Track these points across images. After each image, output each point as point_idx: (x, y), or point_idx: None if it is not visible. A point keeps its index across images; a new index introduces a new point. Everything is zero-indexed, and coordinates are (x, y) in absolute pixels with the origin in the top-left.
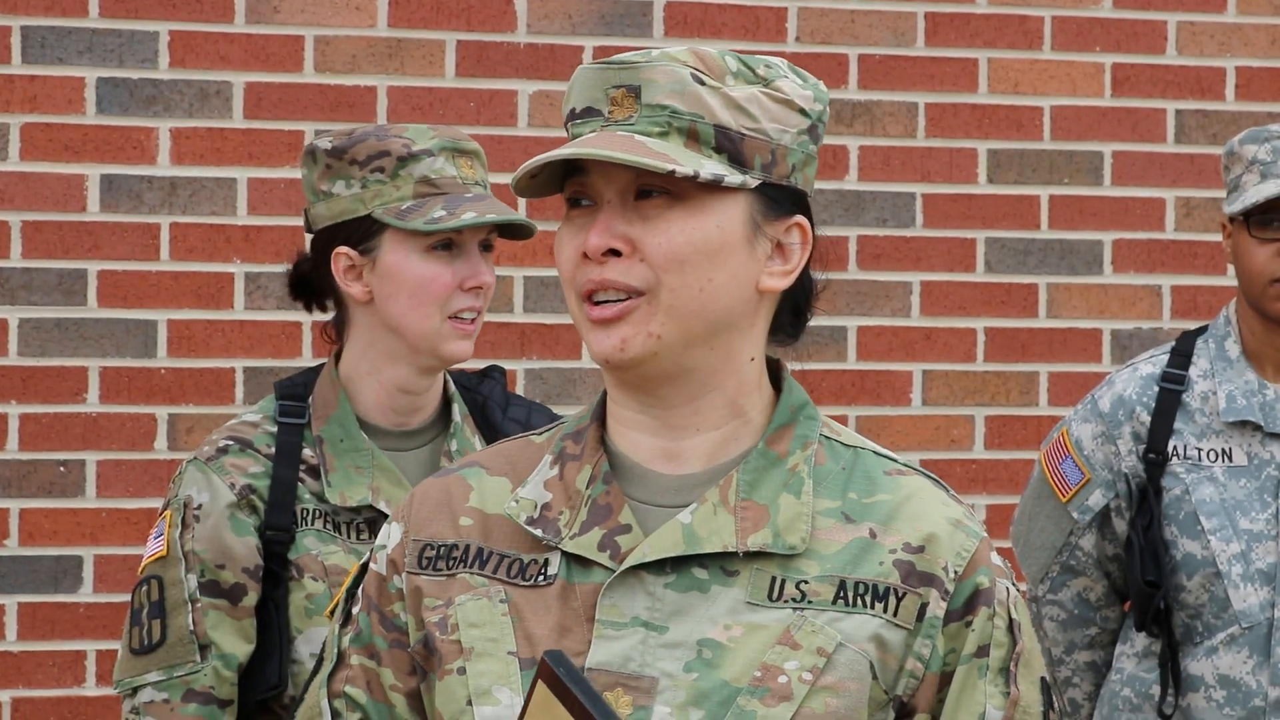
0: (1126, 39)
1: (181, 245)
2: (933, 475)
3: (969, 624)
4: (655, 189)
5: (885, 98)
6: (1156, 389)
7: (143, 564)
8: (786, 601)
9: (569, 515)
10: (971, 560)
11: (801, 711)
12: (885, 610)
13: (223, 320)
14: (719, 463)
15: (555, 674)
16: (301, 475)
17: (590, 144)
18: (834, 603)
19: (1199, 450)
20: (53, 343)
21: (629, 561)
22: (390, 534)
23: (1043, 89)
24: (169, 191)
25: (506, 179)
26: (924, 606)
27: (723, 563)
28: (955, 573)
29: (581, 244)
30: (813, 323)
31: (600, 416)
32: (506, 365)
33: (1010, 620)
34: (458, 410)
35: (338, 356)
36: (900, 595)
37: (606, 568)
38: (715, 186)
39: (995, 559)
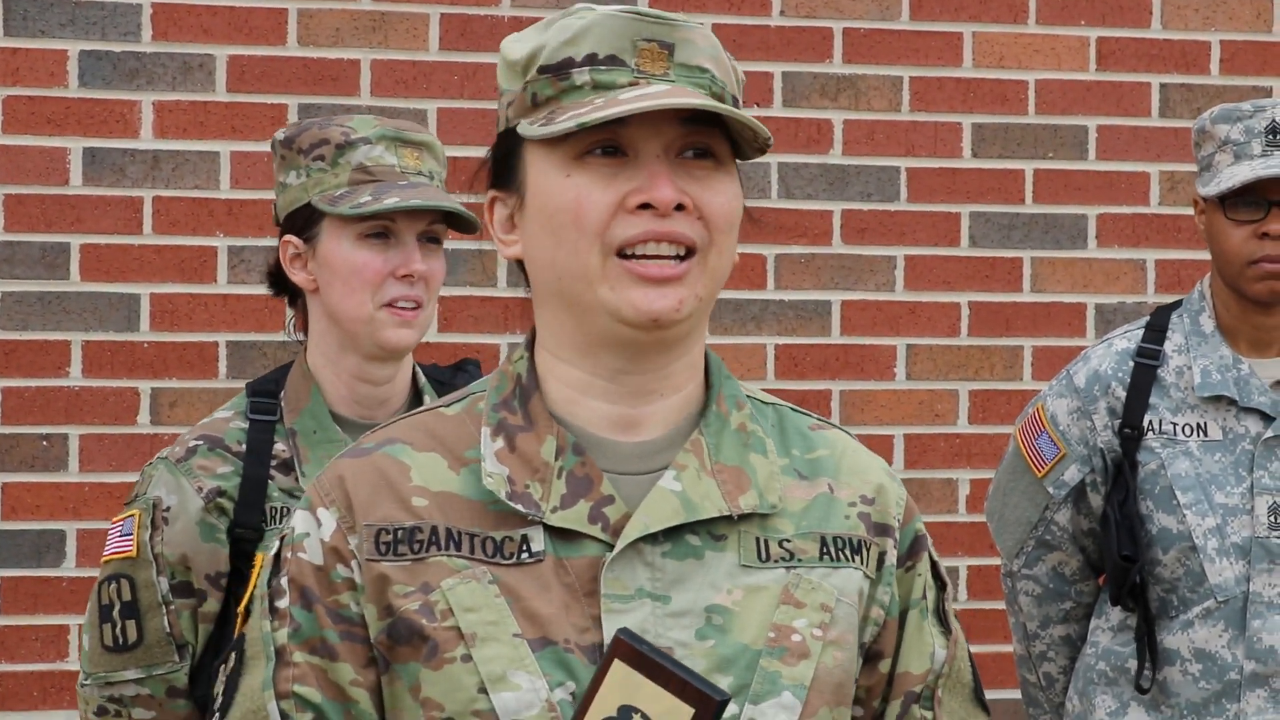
0: (1111, 13)
1: (164, 219)
2: (843, 428)
3: (913, 569)
4: (703, 150)
5: (870, 71)
6: (1132, 364)
7: (107, 558)
8: (777, 561)
9: (541, 489)
10: (907, 508)
11: (818, 667)
12: (861, 562)
13: (206, 294)
14: (675, 427)
15: (638, 650)
16: (272, 473)
17: (674, 94)
18: (820, 559)
19: (1174, 425)
20: (35, 316)
21: (631, 534)
22: (319, 520)
23: (1027, 63)
24: (152, 165)
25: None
26: (882, 555)
27: (711, 528)
28: (899, 521)
29: (621, 195)
30: (797, 296)
31: (536, 384)
32: (490, 340)
33: (934, 562)
34: (429, 403)
35: (306, 348)
36: (868, 547)
37: (600, 541)
38: (738, 157)
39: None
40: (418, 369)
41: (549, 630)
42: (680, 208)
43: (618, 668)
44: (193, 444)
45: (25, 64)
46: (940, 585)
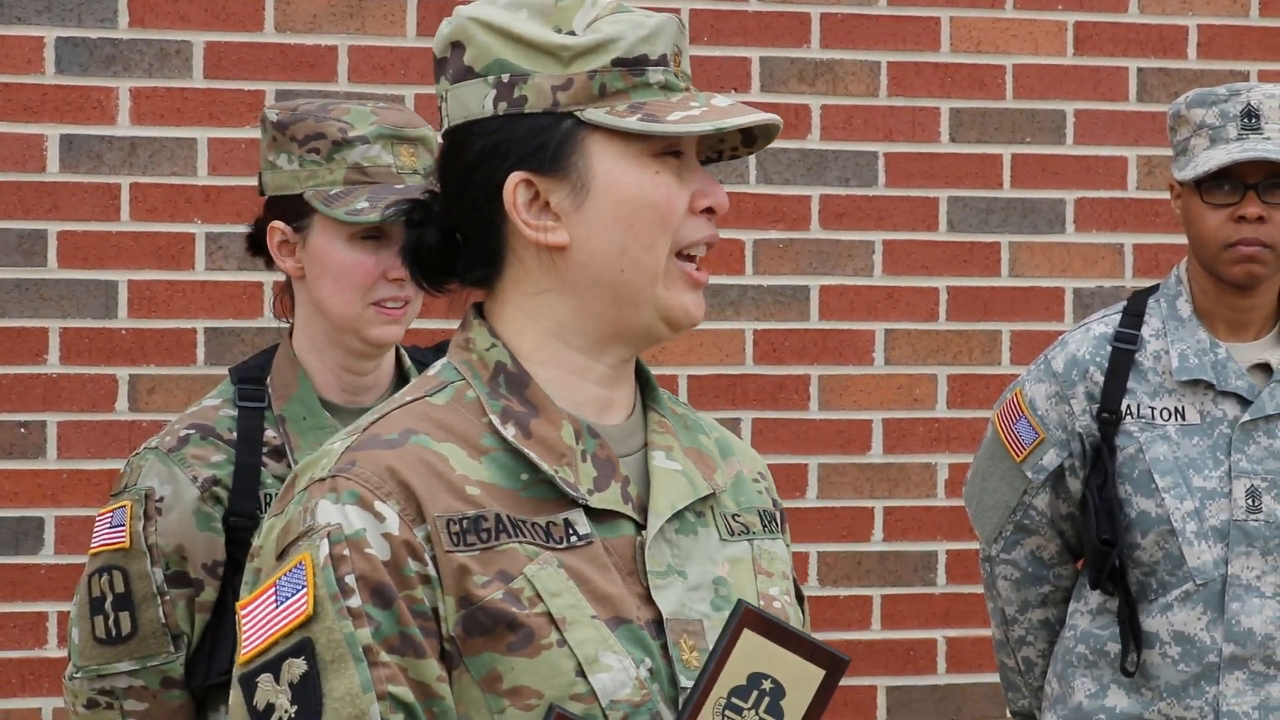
0: None
1: (142, 206)
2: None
3: (785, 541)
4: (713, 155)
5: (847, 57)
6: (1109, 349)
7: (96, 549)
8: (739, 535)
9: (572, 473)
10: (773, 484)
11: None
12: (783, 534)
13: (183, 281)
14: (632, 410)
15: (764, 619)
16: (264, 459)
17: (746, 110)
18: (764, 530)
19: (1152, 409)
20: (12, 303)
21: (661, 513)
22: (379, 514)
23: (1005, 48)
24: (129, 152)
25: None
26: (783, 527)
27: (694, 505)
28: (776, 495)
29: (690, 197)
30: (775, 282)
31: (523, 370)
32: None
33: None
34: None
35: (291, 333)
36: (778, 519)
37: (633, 520)
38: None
39: None
40: (402, 351)
41: (620, 609)
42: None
43: (747, 637)
44: (184, 433)
45: (1, 50)
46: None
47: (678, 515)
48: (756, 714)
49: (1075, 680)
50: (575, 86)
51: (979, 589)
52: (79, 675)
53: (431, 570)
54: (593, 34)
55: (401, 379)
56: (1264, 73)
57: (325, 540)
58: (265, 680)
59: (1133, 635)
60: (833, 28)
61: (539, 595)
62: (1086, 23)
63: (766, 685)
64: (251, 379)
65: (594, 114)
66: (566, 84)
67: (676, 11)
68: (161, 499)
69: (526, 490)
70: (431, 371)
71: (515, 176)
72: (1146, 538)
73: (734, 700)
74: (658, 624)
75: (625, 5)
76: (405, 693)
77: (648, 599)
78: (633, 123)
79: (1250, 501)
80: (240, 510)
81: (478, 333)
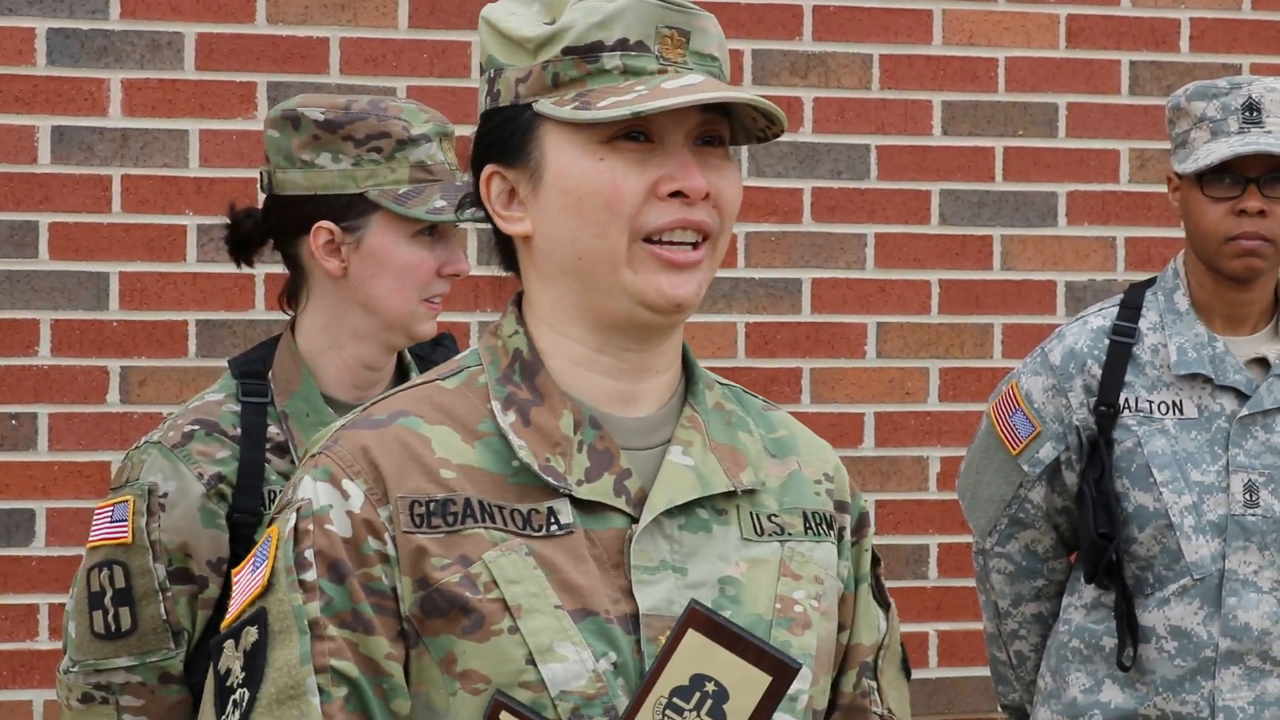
0: None
1: (133, 197)
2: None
3: (860, 543)
4: (718, 138)
5: (840, 49)
6: (1107, 342)
7: (96, 544)
8: (770, 535)
9: (564, 462)
10: (852, 486)
11: (819, 637)
12: (835, 537)
13: (175, 273)
14: (666, 405)
15: (713, 620)
16: (268, 456)
17: (710, 88)
18: (805, 533)
19: (1150, 403)
20: (4, 295)
21: (656, 507)
22: (345, 492)
23: (997, 41)
24: (120, 143)
25: (460, 131)
26: (843, 530)
27: (714, 502)
28: (849, 498)
29: (652, 181)
30: (767, 275)
31: (538, 358)
32: (459, 319)
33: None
34: (415, 377)
35: (294, 327)
36: (834, 522)
37: (625, 513)
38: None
39: None
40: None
41: (588, 601)
42: (704, 196)
43: (692, 637)
44: (188, 429)
45: None
46: (875, 560)
47: (685, 511)
48: (698, 715)
49: (1070, 675)
50: (532, 78)
51: (971, 582)
52: (75, 669)
53: (391, 549)
54: (534, 20)
55: (402, 374)
56: (1256, 66)
57: (295, 514)
58: (229, 646)
59: (1129, 630)
60: (825, 20)
61: (495, 581)
62: (1079, 15)
63: (709, 687)
64: (253, 373)
65: (543, 104)
66: (526, 76)
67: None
68: (165, 495)
69: (516, 477)
70: (459, 355)
71: (489, 169)
72: (1144, 532)
73: (675, 700)
74: (636, 619)
75: None
76: (349, 667)
77: (630, 593)
78: (565, 111)
79: (1248, 496)
80: (244, 507)
81: (506, 320)
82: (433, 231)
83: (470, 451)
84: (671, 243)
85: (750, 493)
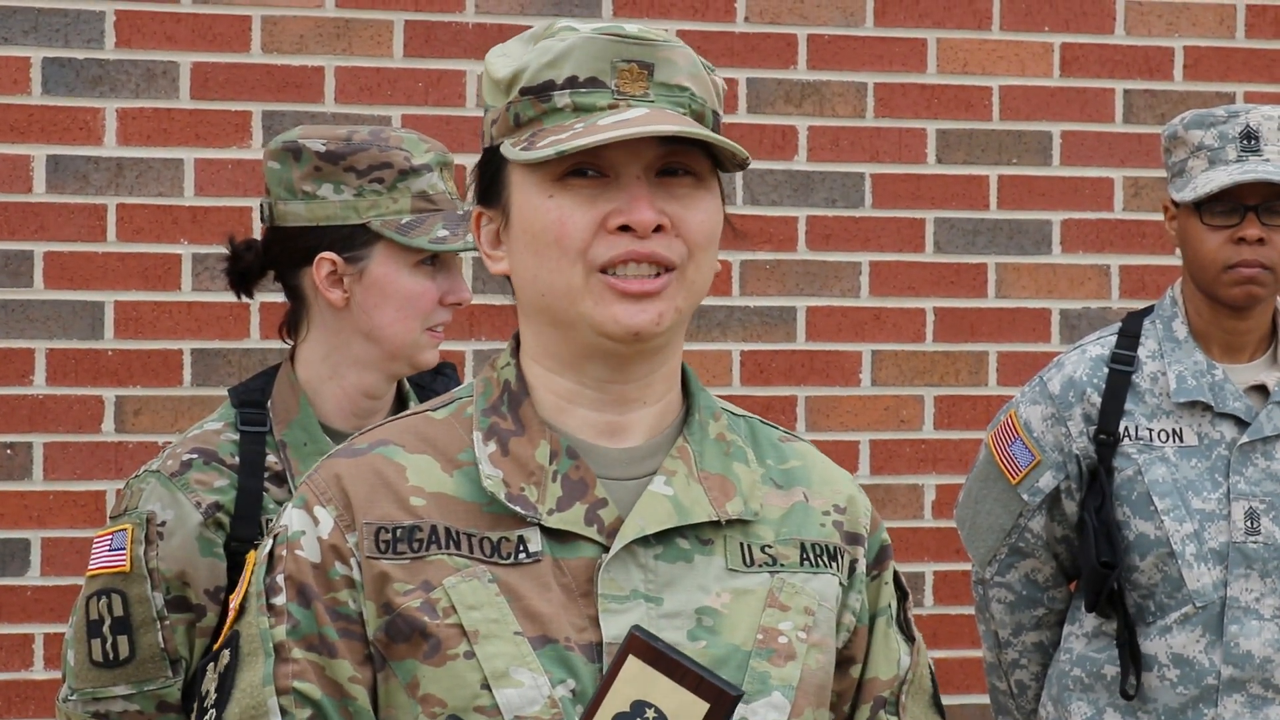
0: (1075, 18)
1: (128, 226)
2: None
3: (879, 577)
4: (682, 169)
5: (834, 78)
6: (1106, 370)
7: (95, 572)
8: (760, 566)
9: (536, 491)
10: (873, 518)
11: (803, 669)
12: (837, 569)
13: (170, 302)
14: (658, 435)
15: (653, 647)
16: (266, 485)
17: (654, 120)
18: (801, 564)
19: (1150, 431)
20: None
21: (626, 536)
22: (316, 519)
23: (991, 69)
24: (115, 172)
25: (455, 160)
26: (854, 564)
27: (699, 532)
28: (867, 530)
29: (601, 216)
30: (762, 303)
31: (525, 390)
32: (455, 347)
33: (896, 572)
34: (413, 407)
35: (293, 357)
36: (842, 554)
37: (595, 542)
38: (718, 171)
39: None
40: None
41: (549, 629)
42: (659, 228)
43: (632, 663)
44: (186, 458)
45: None
46: (902, 594)
47: (663, 540)
48: None
49: (1071, 704)
50: (500, 119)
51: (967, 610)
52: (74, 698)
53: (357, 574)
54: (510, 62)
55: (401, 403)
56: (1250, 94)
57: (272, 540)
58: (210, 669)
59: (1132, 658)
60: (819, 49)
61: (454, 606)
62: (1073, 44)
63: (650, 714)
64: (253, 402)
65: (505, 146)
66: (498, 117)
67: (679, 44)
68: (164, 523)
69: (490, 505)
70: (458, 387)
71: (475, 209)
72: (1145, 560)
73: None
74: (600, 647)
75: (573, 27)
76: (312, 689)
77: (597, 621)
78: (514, 152)
79: (1249, 523)
80: (242, 536)
81: (504, 353)
82: (434, 261)
83: (448, 480)
84: (628, 275)
85: (743, 523)
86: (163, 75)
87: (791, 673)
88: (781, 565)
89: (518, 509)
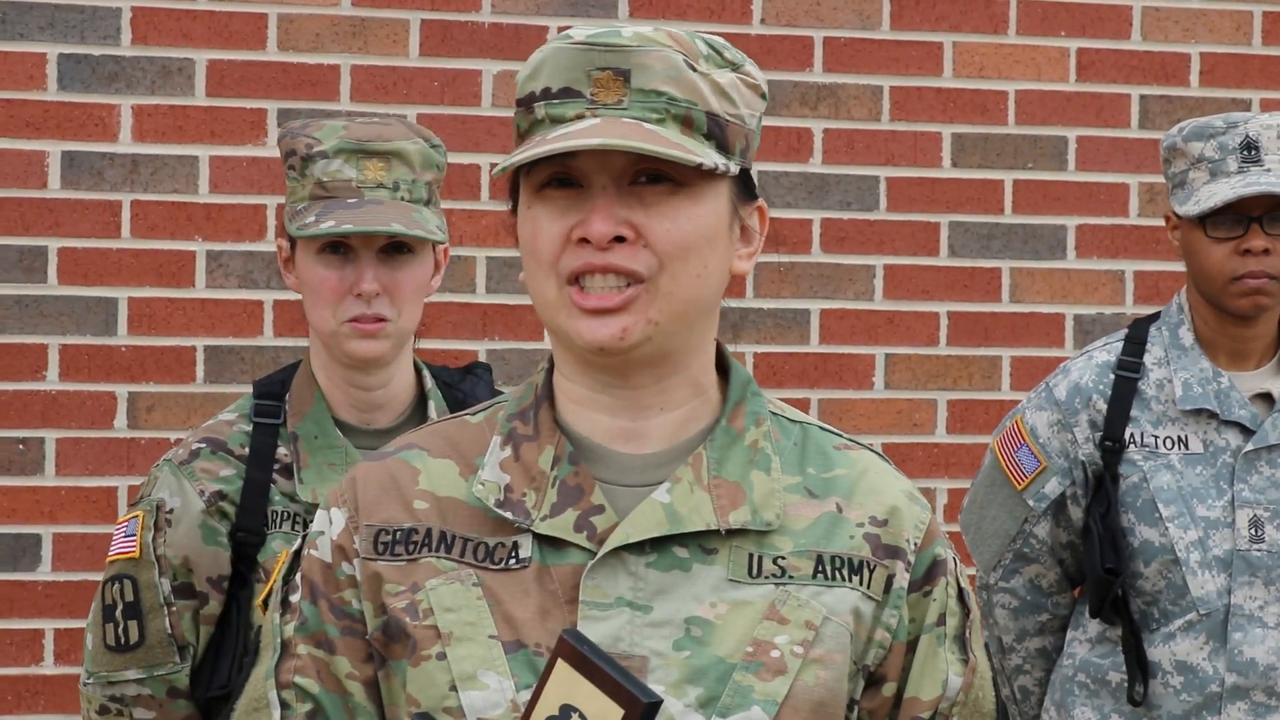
0: (1091, 23)
1: (143, 223)
2: (876, 449)
3: (929, 594)
4: (656, 175)
5: (850, 80)
6: (1112, 377)
7: (111, 558)
8: (767, 577)
9: (535, 497)
10: (928, 532)
11: (795, 684)
12: (861, 583)
13: (183, 298)
14: (680, 441)
15: (578, 651)
16: (274, 477)
17: (599, 131)
18: (814, 577)
19: (1156, 438)
20: (12, 320)
21: (612, 542)
22: (331, 519)
23: (1007, 73)
24: (130, 169)
25: (470, 159)
26: (890, 578)
27: (701, 541)
28: (915, 544)
29: (569, 227)
30: (775, 305)
31: (549, 395)
32: (468, 346)
33: (960, 589)
34: (434, 407)
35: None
36: (871, 568)
37: (584, 549)
38: (710, 174)
39: (943, 529)
40: (425, 370)
41: (522, 634)
42: (622, 239)
43: (561, 667)
44: (195, 447)
45: (3, 67)
46: (965, 611)
47: (657, 548)
48: None
49: (1075, 710)
50: (515, 132)
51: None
52: (91, 681)
53: (358, 575)
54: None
55: (422, 399)
56: (1266, 101)
57: (301, 540)
58: (248, 662)
59: (1138, 665)
60: (835, 51)
61: (432, 608)
62: (1089, 49)
63: (575, 719)
64: (271, 395)
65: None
66: (515, 130)
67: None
68: (171, 511)
69: (492, 511)
70: (490, 389)
71: (511, 220)
72: (1149, 567)
73: None
74: None
75: (568, 35)
76: (311, 684)
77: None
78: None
79: (1253, 531)
80: (247, 526)
81: (549, 359)
82: (342, 250)
83: (461, 484)
84: (591, 289)
85: (757, 533)
86: (178, 72)
87: (778, 688)
88: (791, 577)
89: (508, 515)
